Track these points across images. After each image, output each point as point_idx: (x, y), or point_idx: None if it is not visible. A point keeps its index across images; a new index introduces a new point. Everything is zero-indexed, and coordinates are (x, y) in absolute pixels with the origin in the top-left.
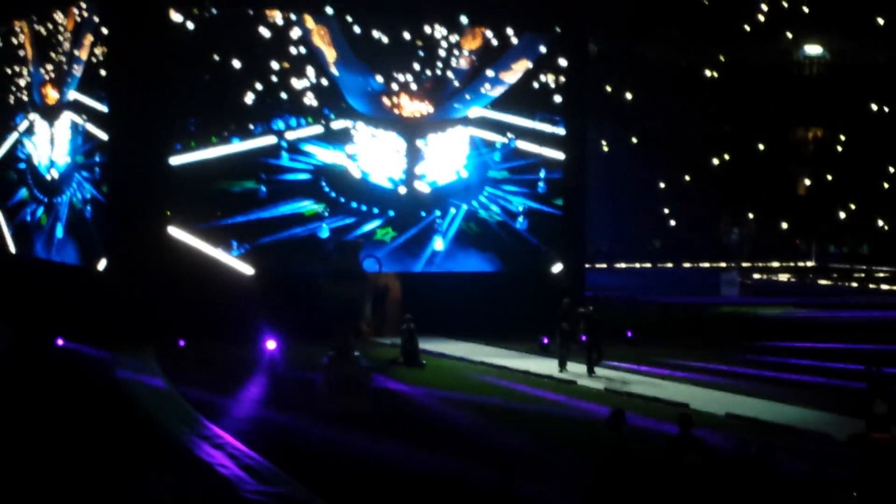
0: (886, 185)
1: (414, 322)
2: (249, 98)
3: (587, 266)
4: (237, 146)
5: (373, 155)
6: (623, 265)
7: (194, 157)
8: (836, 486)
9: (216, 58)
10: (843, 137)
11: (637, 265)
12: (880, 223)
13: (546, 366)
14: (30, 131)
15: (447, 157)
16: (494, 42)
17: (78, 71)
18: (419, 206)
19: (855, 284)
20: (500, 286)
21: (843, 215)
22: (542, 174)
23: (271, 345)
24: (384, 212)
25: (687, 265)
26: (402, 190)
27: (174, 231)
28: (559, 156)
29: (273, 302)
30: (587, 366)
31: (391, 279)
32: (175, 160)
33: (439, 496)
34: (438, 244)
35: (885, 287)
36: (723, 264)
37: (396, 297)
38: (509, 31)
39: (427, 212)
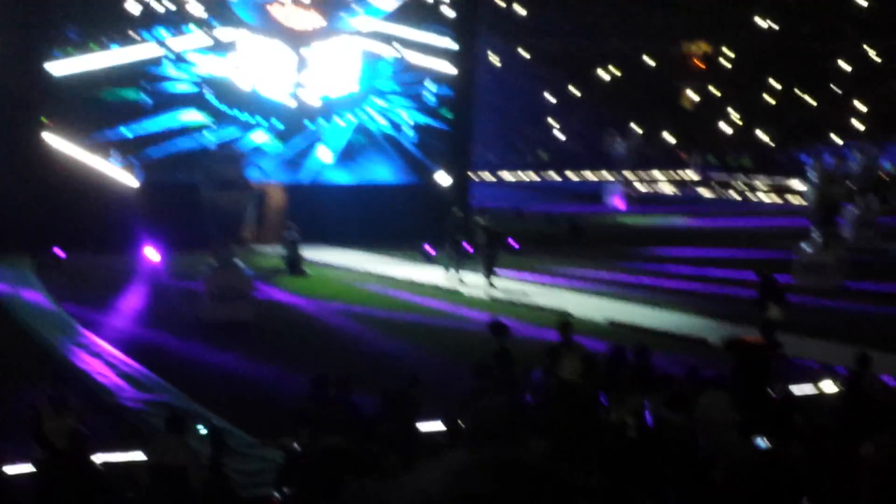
0: (768, 99)
1: (298, 231)
2: (131, 5)
3: (474, 178)
4: (118, 54)
5: (260, 66)
6: (510, 177)
7: (75, 67)
8: (707, 385)
9: None
10: (728, 52)
11: (524, 177)
12: (762, 136)
13: (432, 275)
14: None
15: (336, 70)
16: None
17: None
18: (307, 118)
19: (736, 195)
20: (387, 198)
21: (726, 128)
22: (431, 87)
23: (154, 256)
24: (271, 124)
25: (573, 176)
26: (290, 102)
27: (53, 140)
28: (450, 69)
29: (156, 213)
30: (485, 275)
31: (277, 190)
32: (54, 68)
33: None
34: (326, 156)
35: (764, 198)
36: (608, 175)
37: (282, 207)
38: None
39: (315, 124)
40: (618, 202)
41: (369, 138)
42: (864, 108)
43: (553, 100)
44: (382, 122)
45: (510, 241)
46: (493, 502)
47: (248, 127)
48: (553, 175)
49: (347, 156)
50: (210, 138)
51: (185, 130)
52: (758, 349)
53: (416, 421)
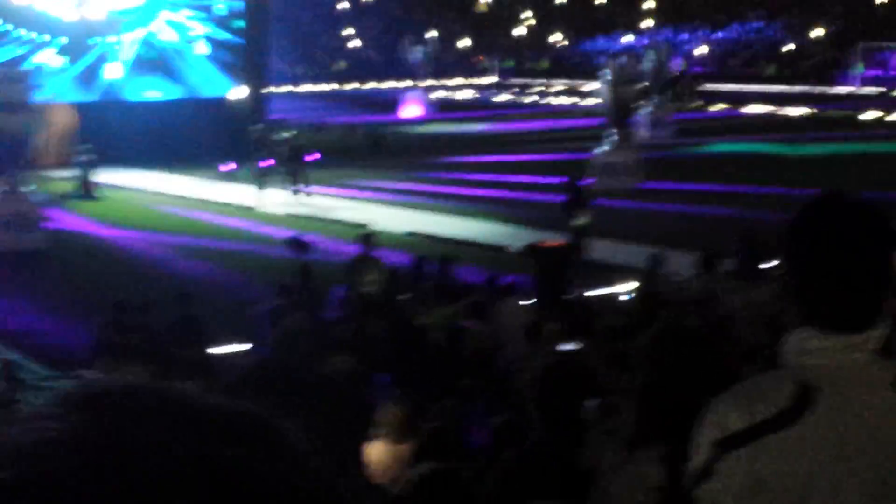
0: (557, 1)
1: (92, 153)
2: None
3: (272, 91)
4: None
5: None
6: (307, 88)
7: None
8: (507, 291)
9: None
10: None
11: (321, 87)
12: (557, 38)
13: (232, 193)
14: None
15: None
16: None
17: None
18: (93, 33)
19: (534, 98)
20: (183, 115)
21: (522, 31)
22: None
23: None
24: (55, 40)
25: (370, 85)
26: (74, 15)
27: None
28: None
29: None
30: (287, 190)
31: (66, 110)
32: None
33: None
34: (117, 72)
35: (562, 100)
36: (406, 83)
37: (72, 128)
38: None
39: (103, 39)
40: (417, 110)
41: (161, 53)
42: (652, 5)
43: (347, 6)
44: (173, 35)
45: (312, 153)
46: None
47: (30, 45)
48: (352, 85)
49: (139, 71)
50: None
51: None
52: (557, 253)
53: (207, 344)
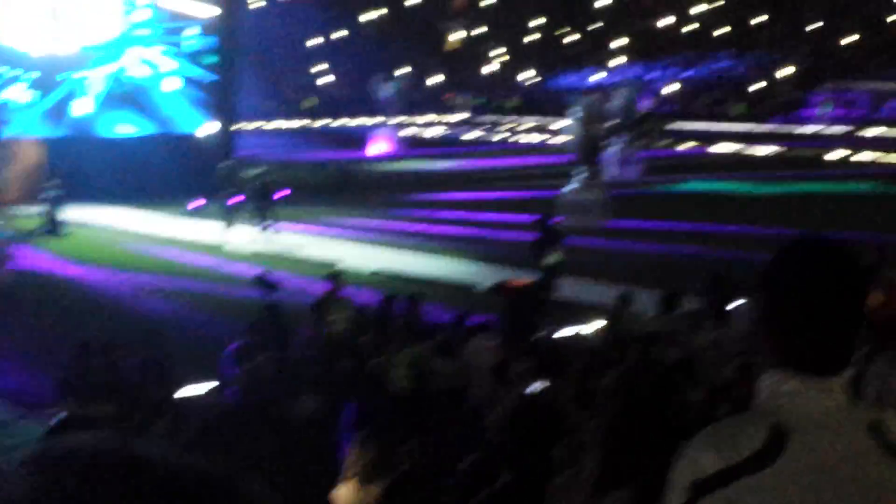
0: (529, 39)
1: (59, 188)
2: None
3: (242, 127)
4: None
5: (8, 14)
6: (277, 125)
7: None
8: (475, 330)
9: None
10: None
11: (291, 124)
12: (527, 76)
13: (201, 229)
14: None
15: (94, 16)
16: None
17: None
18: (63, 68)
19: (504, 135)
20: (152, 150)
21: (493, 68)
22: (192, 34)
23: None
24: (25, 75)
25: (340, 122)
26: (42, 50)
27: None
28: (211, 13)
29: None
30: (256, 227)
31: (33, 146)
32: None
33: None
34: (86, 107)
35: (531, 137)
36: (375, 120)
37: (39, 163)
38: None
39: (74, 74)
40: (387, 147)
41: (131, 88)
42: (623, 43)
43: (317, 43)
44: (145, 70)
45: (281, 191)
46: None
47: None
48: (323, 122)
49: (109, 107)
50: None
51: None
52: (525, 292)
53: (174, 384)
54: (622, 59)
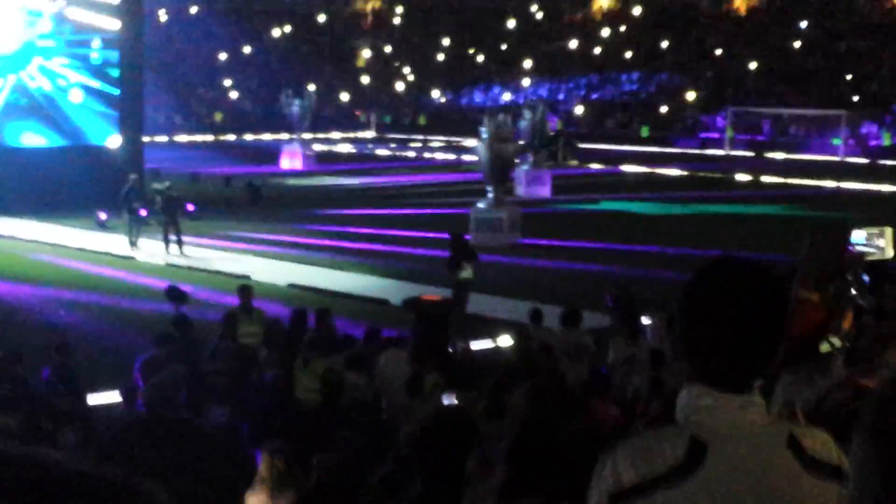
0: (440, 58)
1: None
2: None
3: (148, 141)
4: None
5: None
6: (185, 139)
7: None
8: (387, 344)
9: None
10: (399, 10)
11: (199, 138)
12: (434, 95)
13: (107, 242)
14: None
15: None
16: None
17: None
18: None
19: (412, 153)
20: (56, 163)
21: (400, 86)
22: (96, 45)
23: None
24: None
25: (249, 137)
26: None
27: None
28: (115, 25)
29: None
30: (163, 241)
31: None
32: None
33: None
34: None
35: (439, 155)
36: (284, 136)
37: None
38: None
39: None
40: (295, 163)
41: (33, 99)
42: (528, 65)
43: (226, 58)
44: (46, 83)
45: (188, 205)
46: None
47: None
48: (230, 137)
49: (11, 117)
50: None
51: None
52: (438, 307)
53: (82, 394)
54: (529, 80)
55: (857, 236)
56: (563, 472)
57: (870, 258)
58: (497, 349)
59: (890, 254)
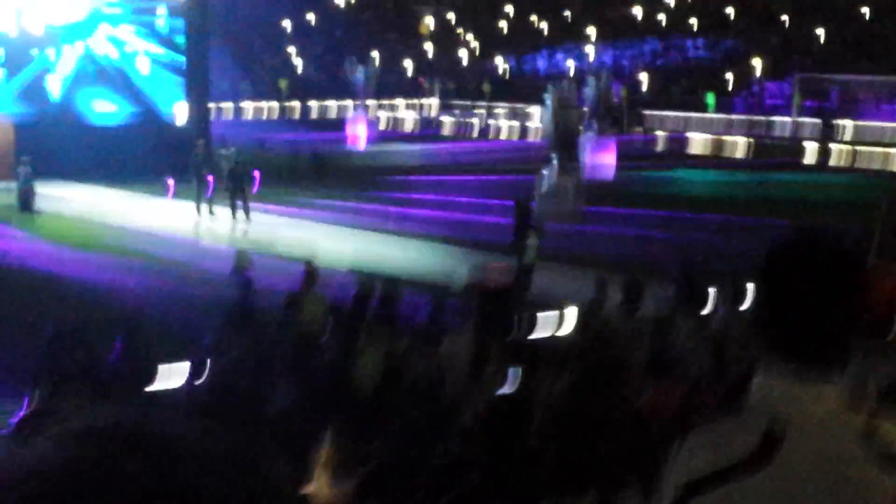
0: (504, 25)
1: (32, 165)
2: None
3: (215, 109)
4: None
5: None
6: (253, 107)
7: None
8: (451, 327)
9: None
10: None
11: (263, 105)
12: (499, 62)
13: (175, 211)
14: None
15: None
16: None
17: None
18: (32, 46)
19: (477, 121)
20: (125, 131)
21: (464, 54)
22: (162, 13)
23: None
24: None
25: (313, 104)
26: (12, 30)
27: None
28: None
29: None
30: (231, 209)
31: (3, 123)
32: None
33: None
34: (56, 87)
35: (504, 123)
36: (349, 103)
37: (8, 142)
38: None
39: (42, 53)
40: (360, 131)
41: (101, 68)
42: (592, 31)
43: (290, 25)
44: (113, 50)
45: (255, 173)
46: None
47: None
48: (296, 104)
49: (80, 85)
50: None
51: None
52: (499, 293)
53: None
54: (593, 47)
55: None
56: (613, 459)
57: None
58: (560, 336)
59: None
